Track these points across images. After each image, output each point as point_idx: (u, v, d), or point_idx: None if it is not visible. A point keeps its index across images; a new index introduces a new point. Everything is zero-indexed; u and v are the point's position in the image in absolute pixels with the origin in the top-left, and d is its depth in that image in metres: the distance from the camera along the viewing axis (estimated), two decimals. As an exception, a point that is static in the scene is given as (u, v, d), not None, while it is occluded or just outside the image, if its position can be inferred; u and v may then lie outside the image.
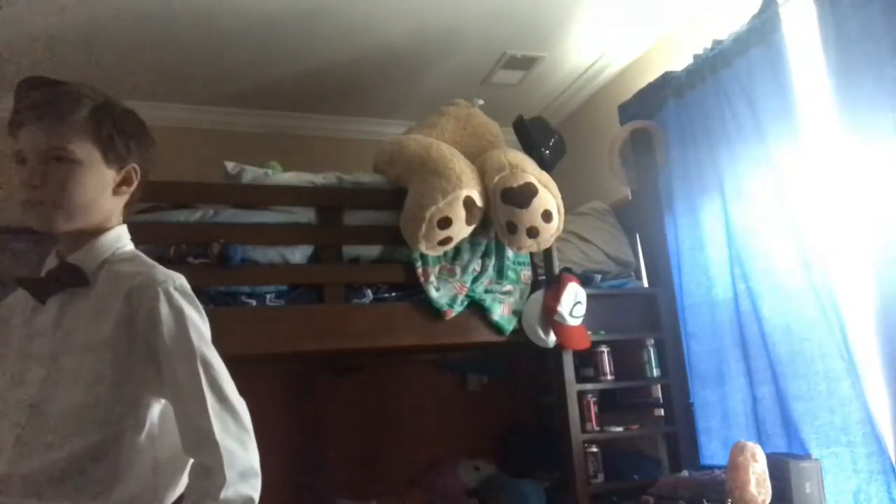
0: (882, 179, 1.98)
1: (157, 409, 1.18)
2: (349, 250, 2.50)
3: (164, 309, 1.15)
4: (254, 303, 2.32)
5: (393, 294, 2.51)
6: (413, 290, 2.50)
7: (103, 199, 1.21)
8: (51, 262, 1.22)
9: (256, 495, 1.11)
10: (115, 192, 1.24)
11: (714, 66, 2.59)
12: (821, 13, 2.15)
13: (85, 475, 1.11)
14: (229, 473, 1.08)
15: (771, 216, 2.35)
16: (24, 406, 1.13)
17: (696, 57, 2.72)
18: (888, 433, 2.02)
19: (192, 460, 1.15)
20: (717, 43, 2.60)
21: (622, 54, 3.33)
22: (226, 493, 1.07)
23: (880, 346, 2.02)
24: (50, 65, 2.92)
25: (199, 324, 1.19)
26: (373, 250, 2.53)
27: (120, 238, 1.26)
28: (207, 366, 1.15)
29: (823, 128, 2.19)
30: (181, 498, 1.19)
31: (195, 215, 2.38)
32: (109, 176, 1.22)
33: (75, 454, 1.11)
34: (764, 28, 2.37)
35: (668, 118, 2.87)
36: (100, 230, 1.23)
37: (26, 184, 1.14)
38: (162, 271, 1.21)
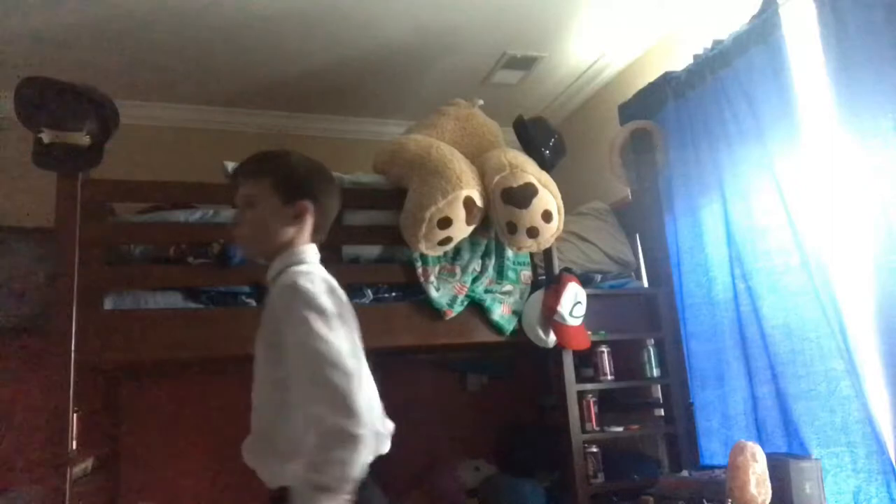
0: (882, 179, 1.97)
1: None
2: (349, 250, 2.50)
3: (284, 308, 1.46)
4: (254, 303, 2.32)
5: (393, 294, 2.51)
6: (413, 290, 2.50)
7: (279, 229, 1.57)
8: None
9: (350, 457, 1.31)
10: (291, 222, 1.57)
11: (714, 66, 2.59)
12: (821, 13, 2.15)
13: (277, 441, 1.47)
14: (323, 439, 1.32)
15: (771, 216, 2.35)
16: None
17: (696, 57, 2.72)
18: (888, 433, 2.02)
19: None
20: (717, 43, 2.60)
21: (622, 54, 3.33)
22: (321, 456, 1.32)
23: (880, 346, 2.02)
24: (50, 65, 2.93)
25: (309, 317, 1.41)
26: (373, 250, 2.54)
27: (291, 255, 1.57)
28: (306, 352, 1.40)
29: (823, 128, 2.19)
30: None
31: (195, 215, 2.38)
32: (283, 211, 1.57)
33: (267, 424, 1.50)
34: (764, 28, 2.37)
35: (668, 118, 2.87)
36: (279, 252, 1.57)
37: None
38: (293, 278, 1.48)
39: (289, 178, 1.59)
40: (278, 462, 1.46)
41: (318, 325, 1.40)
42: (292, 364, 1.42)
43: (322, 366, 1.37)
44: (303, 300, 1.42)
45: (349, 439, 1.31)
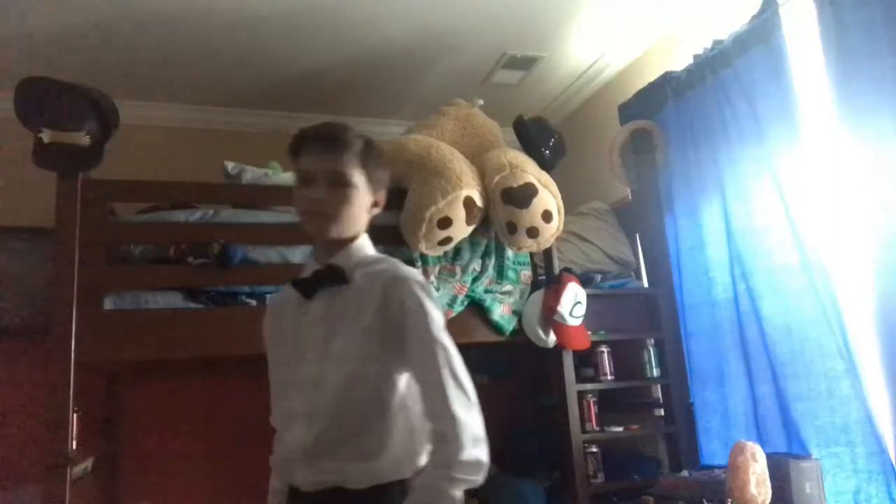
0: (882, 180, 1.98)
1: (407, 381, 1.40)
2: (349, 250, 2.50)
3: (410, 300, 1.37)
4: (254, 303, 2.32)
5: (393, 294, 2.51)
6: (413, 290, 2.50)
7: (362, 216, 1.47)
8: (311, 266, 1.47)
9: (485, 458, 1.31)
10: (370, 211, 1.49)
11: (714, 66, 2.59)
12: (821, 13, 2.15)
13: (360, 438, 1.35)
14: (464, 438, 1.28)
15: (771, 216, 2.35)
16: (309, 382, 1.39)
17: (696, 57, 2.72)
18: (888, 433, 2.02)
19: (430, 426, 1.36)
20: (717, 43, 2.60)
21: (622, 54, 3.33)
22: (462, 455, 1.27)
23: (880, 346, 2.02)
24: (50, 65, 2.93)
25: (434, 312, 1.38)
26: (373, 250, 2.53)
27: (364, 245, 1.50)
28: (442, 348, 1.35)
29: (823, 128, 2.19)
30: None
31: (195, 215, 2.38)
32: (369, 199, 1.47)
33: (349, 420, 1.36)
34: (764, 28, 2.36)
35: (668, 118, 2.87)
36: (353, 239, 1.47)
37: (310, 199, 1.40)
38: (406, 269, 1.44)
39: (378, 165, 1.47)
40: (364, 461, 1.36)
41: (444, 324, 1.39)
42: (421, 359, 1.36)
43: (457, 367, 1.36)
44: (431, 298, 1.39)
45: (482, 441, 1.33)
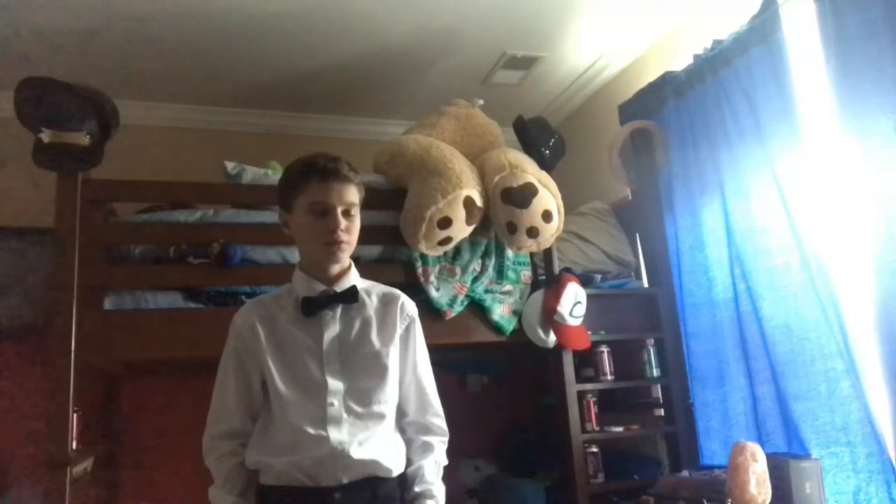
0: (882, 180, 1.98)
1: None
2: (349, 250, 2.50)
3: (416, 317, 1.66)
4: (254, 303, 2.32)
5: (393, 294, 2.51)
6: (413, 290, 2.49)
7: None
8: (316, 287, 1.56)
9: None
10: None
11: (714, 66, 2.59)
12: (821, 13, 2.15)
13: (380, 440, 1.53)
14: (440, 446, 1.63)
15: (771, 216, 2.35)
16: (328, 389, 1.51)
17: (696, 57, 2.72)
18: (888, 433, 2.02)
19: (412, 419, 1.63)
20: (717, 43, 2.60)
21: (622, 54, 3.33)
22: (445, 440, 1.65)
23: (880, 346, 2.02)
24: (50, 65, 2.93)
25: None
26: (373, 250, 2.54)
27: (353, 268, 1.62)
28: (428, 363, 1.68)
29: (823, 128, 2.19)
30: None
31: (195, 215, 2.38)
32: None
33: (375, 421, 1.53)
34: (764, 28, 2.37)
35: (668, 118, 2.87)
36: (350, 264, 1.61)
37: (333, 230, 1.50)
38: (389, 287, 1.69)
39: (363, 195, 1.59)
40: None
41: None
42: (420, 372, 1.64)
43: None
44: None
45: None
